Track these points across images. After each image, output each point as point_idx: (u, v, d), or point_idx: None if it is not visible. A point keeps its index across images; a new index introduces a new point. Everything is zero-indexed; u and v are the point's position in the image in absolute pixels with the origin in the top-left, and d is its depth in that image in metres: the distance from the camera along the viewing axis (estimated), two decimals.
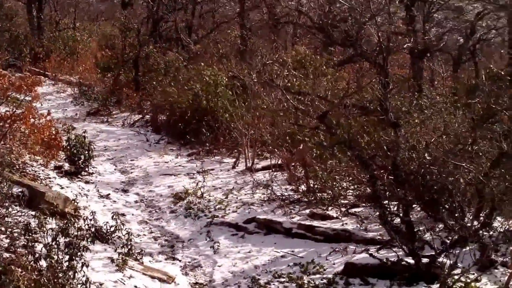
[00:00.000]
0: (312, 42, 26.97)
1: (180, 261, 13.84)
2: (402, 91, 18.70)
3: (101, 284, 11.41)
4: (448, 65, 27.39)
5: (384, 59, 13.80)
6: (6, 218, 12.08)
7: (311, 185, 16.22)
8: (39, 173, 16.52)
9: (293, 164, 17.26)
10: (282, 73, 18.49)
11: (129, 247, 13.02)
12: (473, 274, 11.49)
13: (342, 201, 15.58)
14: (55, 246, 10.58)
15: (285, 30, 30.39)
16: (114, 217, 13.69)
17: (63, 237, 10.81)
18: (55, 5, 39.62)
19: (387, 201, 12.52)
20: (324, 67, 20.68)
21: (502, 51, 29.73)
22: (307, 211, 15.21)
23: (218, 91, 21.75)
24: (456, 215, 12.04)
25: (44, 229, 11.09)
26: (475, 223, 11.97)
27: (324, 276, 12.52)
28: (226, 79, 22.46)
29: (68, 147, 17.93)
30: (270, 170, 18.19)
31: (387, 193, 12.74)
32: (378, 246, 13.07)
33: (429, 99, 18.52)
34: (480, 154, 13.22)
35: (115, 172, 19.71)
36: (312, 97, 16.22)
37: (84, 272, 10.46)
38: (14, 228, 11.87)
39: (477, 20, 27.52)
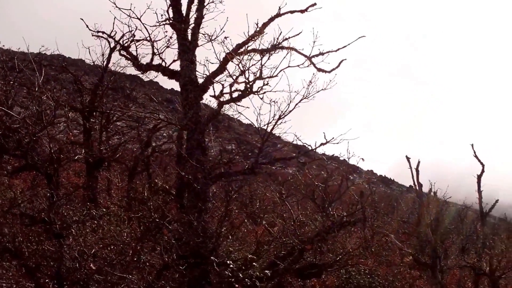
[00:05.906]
0: None
1: None
2: (74, 200, 18.83)
3: None
4: (124, 175, 28.11)
5: (55, 170, 14.04)
6: None
7: None
8: None
9: None
10: None
11: None
12: None
13: None
14: None
15: None
16: None
17: None
18: None
19: None
20: None
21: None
22: None
23: None
24: None
25: None
26: None
27: None
28: None
29: None
30: None
31: None
32: None
33: (103, 209, 18.89)
34: (147, 265, 13.84)
35: None
36: None
37: None
38: None
39: (153, 132, 28.91)
